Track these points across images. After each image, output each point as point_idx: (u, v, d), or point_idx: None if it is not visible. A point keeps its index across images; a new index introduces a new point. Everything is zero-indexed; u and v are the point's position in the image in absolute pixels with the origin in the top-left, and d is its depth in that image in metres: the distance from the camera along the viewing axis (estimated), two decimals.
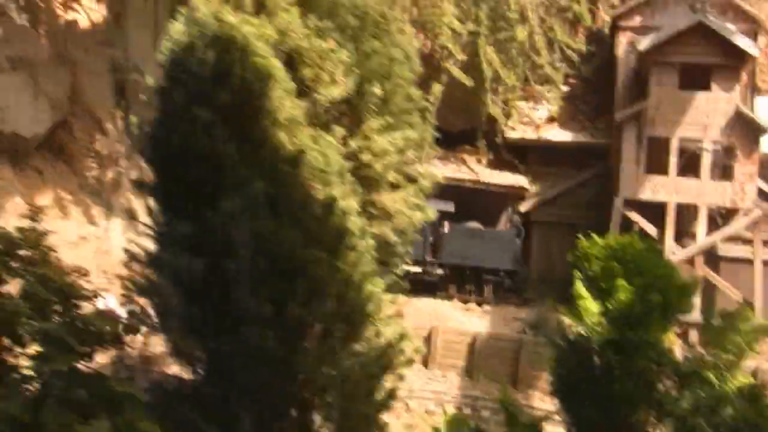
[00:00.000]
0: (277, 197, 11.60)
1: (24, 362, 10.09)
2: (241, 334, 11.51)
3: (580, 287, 12.87)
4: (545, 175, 23.44)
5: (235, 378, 11.83)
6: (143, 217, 18.34)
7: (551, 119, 23.33)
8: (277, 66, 11.61)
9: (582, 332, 12.72)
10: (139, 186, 12.89)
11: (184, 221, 11.62)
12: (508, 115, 22.92)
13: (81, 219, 18.09)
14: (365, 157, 12.62)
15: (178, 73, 11.73)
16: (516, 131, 23.29)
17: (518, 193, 23.20)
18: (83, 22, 18.09)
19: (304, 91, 11.98)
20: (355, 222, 11.94)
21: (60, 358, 10.68)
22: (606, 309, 12.64)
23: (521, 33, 22.06)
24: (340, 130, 12.24)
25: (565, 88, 23.65)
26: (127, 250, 12.75)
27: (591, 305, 12.77)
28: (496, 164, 23.29)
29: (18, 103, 16.64)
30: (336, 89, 12.15)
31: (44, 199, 17.67)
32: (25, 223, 10.92)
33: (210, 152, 11.48)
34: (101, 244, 18.23)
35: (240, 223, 11.33)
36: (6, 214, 17.06)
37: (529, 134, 23.31)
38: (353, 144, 12.54)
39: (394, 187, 13.02)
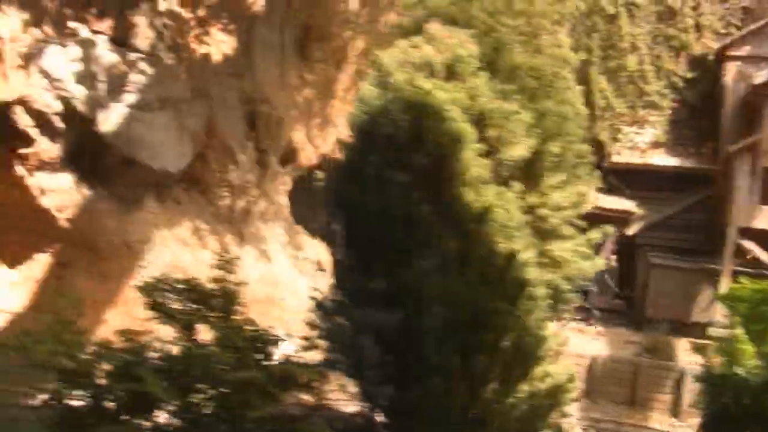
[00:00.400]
0: (465, 253, 12.23)
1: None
2: (429, 384, 12.15)
3: (737, 328, 13.41)
4: (648, 200, 23.91)
5: (419, 422, 12.50)
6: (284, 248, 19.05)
7: (656, 144, 23.84)
8: (468, 129, 12.16)
9: (738, 372, 13.21)
10: (327, 238, 13.46)
11: (379, 277, 12.23)
12: (614, 141, 23.45)
13: (216, 248, 18.59)
14: (542, 211, 13.19)
15: (373, 136, 12.32)
16: (621, 156, 23.81)
17: (624, 217, 23.67)
18: (215, 55, 18.53)
19: (488, 150, 12.54)
20: (532, 273, 12.58)
21: (261, 404, 11.39)
22: (762, 352, 13.18)
23: (631, 62, 22.60)
24: (518, 186, 12.81)
25: (668, 113, 24.15)
26: (313, 298, 13.32)
27: (748, 347, 13.29)
28: (602, 189, 23.74)
29: (165, 140, 17.19)
30: (518, 149, 12.72)
31: (184, 229, 18.26)
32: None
33: (405, 213, 12.07)
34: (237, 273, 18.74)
35: (433, 280, 11.94)
36: (154, 246, 17.72)
37: (634, 159, 23.83)
38: (531, 199, 13.10)
39: (565, 237, 13.58)
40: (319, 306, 13.35)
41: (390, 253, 12.26)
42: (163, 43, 17.12)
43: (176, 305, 11.66)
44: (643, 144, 23.98)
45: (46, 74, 15.89)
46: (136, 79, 16.72)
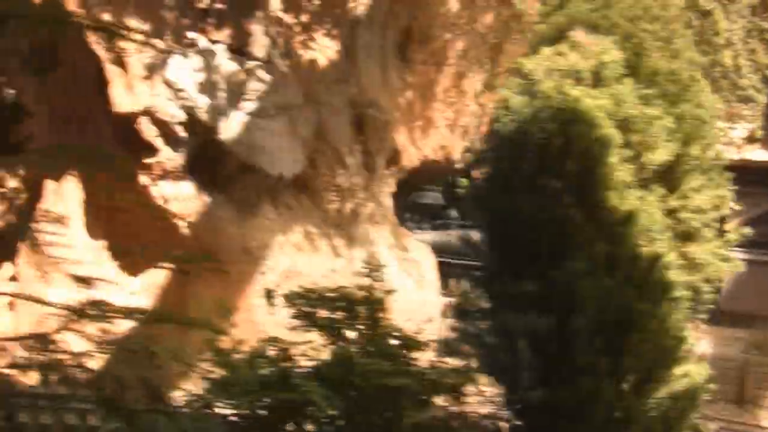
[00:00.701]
0: (612, 256, 12.38)
1: None
2: (577, 385, 12.31)
3: None
4: (743, 195, 23.73)
5: (567, 423, 12.66)
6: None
7: (751, 139, 23.77)
8: (615, 135, 12.28)
9: None
10: (471, 245, 13.61)
11: (529, 281, 12.38)
12: None
13: (328, 252, 18.77)
14: (684, 214, 13.28)
15: (523, 144, 12.47)
16: None
17: None
18: (321, 60, 18.66)
19: (631, 155, 12.66)
20: (674, 275, 12.72)
21: (415, 411, 11.56)
22: None
23: (726, 56, 22.54)
24: (659, 190, 12.92)
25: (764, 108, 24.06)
26: (449, 303, 13.51)
27: None
28: None
29: (282, 146, 17.36)
30: (660, 153, 12.83)
31: (296, 234, 18.43)
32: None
33: (556, 218, 12.24)
34: (347, 276, 18.90)
35: (583, 282, 12.10)
36: (273, 252, 17.91)
37: (730, 154, 23.68)
38: (672, 202, 13.19)
39: (705, 239, 13.65)
40: (462, 310, 13.53)
41: (540, 257, 12.42)
42: (277, 50, 17.29)
43: (322, 313, 11.84)
44: (739, 139, 23.92)
45: (169, 84, 16.13)
46: (254, 86, 16.90)
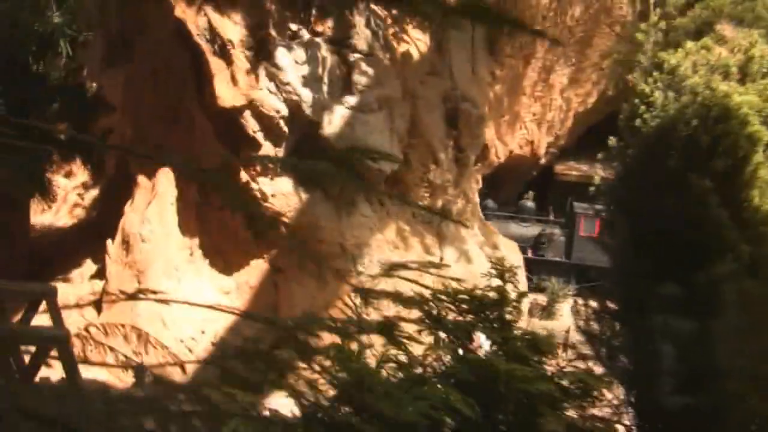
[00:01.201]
0: (755, 256, 11.94)
1: None
2: (722, 390, 11.87)
3: None
4: None
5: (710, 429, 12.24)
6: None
7: None
8: (764, 132, 11.80)
9: None
10: (607, 247, 13.16)
11: (673, 283, 11.94)
12: None
13: (419, 249, 18.35)
14: None
15: (670, 141, 11.99)
16: None
17: None
18: (414, 53, 18.23)
19: None
20: None
21: (554, 418, 11.13)
22: None
23: None
24: None
25: None
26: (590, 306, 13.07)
27: None
28: None
29: (382, 142, 16.92)
30: None
31: (390, 231, 18.00)
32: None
33: (702, 218, 11.78)
34: (439, 274, 18.49)
35: (729, 284, 11.65)
36: (370, 250, 17.49)
37: None
38: None
39: None
40: (595, 313, 13.09)
41: (682, 258, 11.99)
42: (379, 43, 16.85)
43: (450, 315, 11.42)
44: None
45: (274, 78, 15.69)
46: (357, 79, 16.46)
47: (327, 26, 16.35)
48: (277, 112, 15.72)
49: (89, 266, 19.17)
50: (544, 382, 11.34)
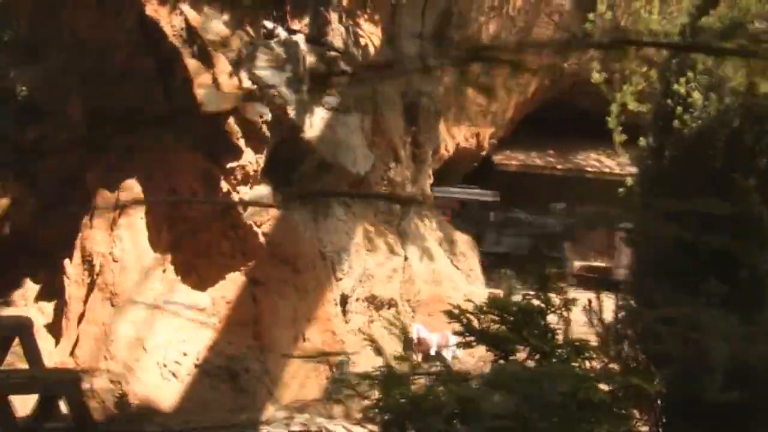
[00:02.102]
0: None
1: None
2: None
3: None
4: None
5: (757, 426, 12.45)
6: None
7: None
8: None
9: None
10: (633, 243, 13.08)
11: (711, 281, 12.01)
12: None
13: (385, 250, 17.87)
14: None
15: (708, 141, 12.00)
16: None
17: None
18: (371, 48, 17.69)
19: None
20: None
21: (614, 426, 11.06)
22: None
23: None
24: None
25: None
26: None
27: None
28: None
29: (358, 141, 16.36)
30: None
31: (357, 234, 17.42)
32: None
33: (743, 216, 11.89)
34: (406, 274, 18.12)
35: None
36: (348, 255, 16.81)
37: None
38: None
39: None
40: (628, 311, 13.00)
41: (727, 256, 12.07)
42: (351, 40, 16.15)
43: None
44: None
45: (257, 80, 14.75)
46: (336, 79, 15.72)
47: (303, 24, 15.50)
48: (261, 116, 14.78)
49: (30, 287, 17.63)
50: (593, 388, 11.20)
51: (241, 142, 14.80)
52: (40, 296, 17.20)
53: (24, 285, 17.68)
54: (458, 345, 12.35)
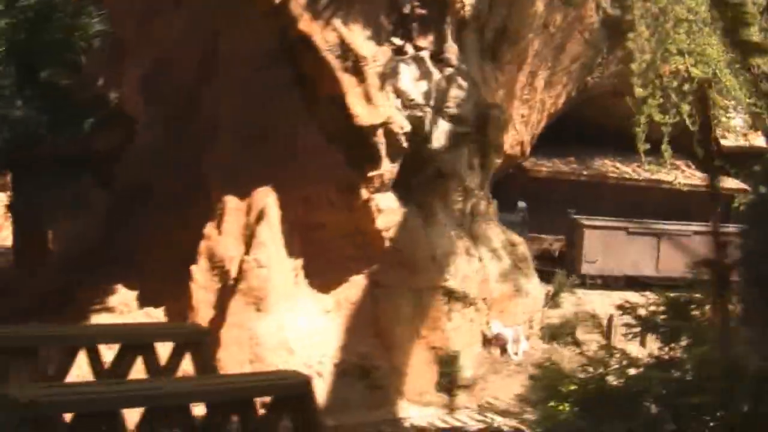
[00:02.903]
0: None
1: None
2: None
3: None
4: None
5: None
6: None
7: None
8: None
9: None
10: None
11: None
12: None
13: (463, 252, 18.93)
14: None
15: None
16: None
17: None
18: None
19: None
20: None
21: None
22: None
23: None
24: None
25: None
26: None
27: None
28: None
29: (470, 154, 17.43)
30: None
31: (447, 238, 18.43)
32: None
33: None
34: (480, 274, 19.23)
35: None
36: (455, 258, 17.79)
37: None
38: None
39: None
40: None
41: None
42: (464, 55, 17.21)
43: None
44: None
45: (400, 94, 15.63)
46: (454, 93, 16.75)
47: (429, 41, 16.44)
48: (401, 128, 15.68)
49: (124, 293, 17.63)
50: None
51: (383, 153, 15.63)
52: (144, 302, 17.28)
53: (117, 292, 17.71)
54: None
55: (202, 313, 16.01)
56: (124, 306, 17.57)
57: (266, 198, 15.91)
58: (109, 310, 17.39)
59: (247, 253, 15.72)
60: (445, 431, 15.58)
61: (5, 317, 16.42)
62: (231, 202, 16.21)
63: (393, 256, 16.67)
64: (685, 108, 21.48)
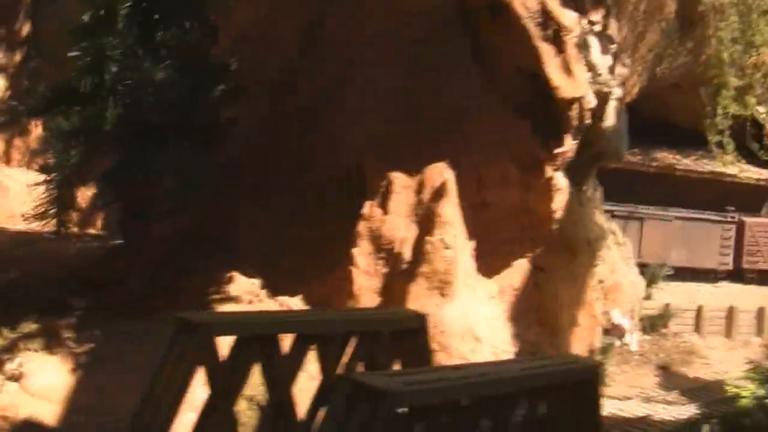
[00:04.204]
0: None
1: None
2: None
3: None
4: None
5: None
6: None
7: None
8: None
9: None
10: None
11: None
12: None
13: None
14: None
15: None
16: None
17: None
18: None
19: None
20: None
21: None
22: None
23: None
24: None
25: None
26: None
27: None
28: None
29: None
30: None
31: None
32: None
33: None
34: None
35: None
36: (605, 243, 17.15)
37: None
38: None
39: None
40: None
41: None
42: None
43: None
44: None
45: (591, 68, 14.94)
46: (618, 71, 16.17)
47: (600, 14, 15.77)
48: (589, 103, 14.98)
49: (244, 282, 16.00)
50: None
51: (572, 128, 14.89)
52: (275, 290, 15.72)
53: (235, 280, 16.09)
54: None
55: (365, 299, 14.77)
56: (249, 295, 15.96)
57: (443, 175, 14.85)
58: (233, 299, 15.70)
59: (423, 234, 14.62)
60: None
61: (116, 306, 14.83)
62: (399, 179, 15.04)
63: (556, 238, 15.90)
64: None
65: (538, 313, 15.83)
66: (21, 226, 21.26)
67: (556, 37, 14.28)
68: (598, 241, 16.83)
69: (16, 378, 13.68)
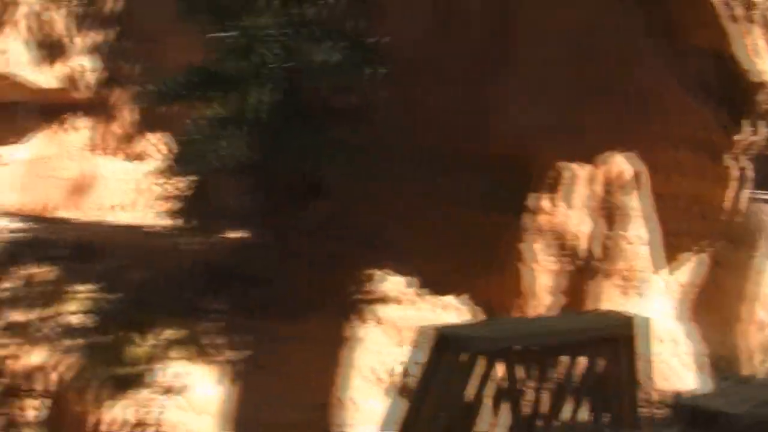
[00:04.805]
0: None
1: None
2: None
3: None
4: None
5: None
6: None
7: None
8: None
9: None
10: None
11: None
12: None
13: None
14: None
15: None
16: None
17: None
18: None
19: None
20: None
21: None
22: None
23: None
24: None
25: None
26: None
27: None
28: None
29: None
30: None
31: None
32: None
33: None
34: None
35: None
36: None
37: None
38: None
39: None
40: None
41: None
42: None
43: None
44: None
45: None
46: None
47: None
48: None
49: (394, 279, 14.93)
50: None
51: (758, 114, 14.00)
52: (431, 289, 14.73)
53: (387, 278, 15.04)
54: None
55: (546, 299, 13.91)
56: (402, 295, 14.93)
57: (631, 165, 14.09)
58: (384, 300, 14.71)
59: (611, 228, 13.86)
60: None
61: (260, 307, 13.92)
62: (579, 170, 14.11)
63: (733, 231, 15.02)
64: None
65: (717, 309, 15.00)
66: (111, 217, 20.43)
67: (746, 16, 13.36)
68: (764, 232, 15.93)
69: (177, 391, 12.91)
